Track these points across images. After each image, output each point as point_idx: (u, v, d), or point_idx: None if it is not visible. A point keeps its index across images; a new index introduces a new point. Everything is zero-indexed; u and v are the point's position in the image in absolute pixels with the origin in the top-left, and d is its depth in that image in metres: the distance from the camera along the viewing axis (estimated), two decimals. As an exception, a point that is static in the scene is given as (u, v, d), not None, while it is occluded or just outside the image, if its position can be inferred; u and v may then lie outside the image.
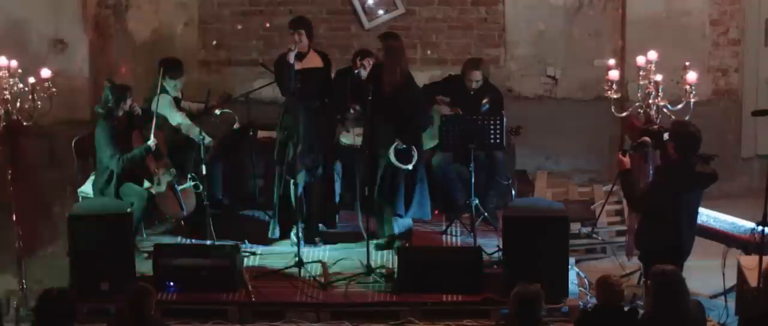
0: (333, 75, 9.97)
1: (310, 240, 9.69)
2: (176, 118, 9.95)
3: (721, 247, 9.08)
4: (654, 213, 8.21)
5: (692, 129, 8.18)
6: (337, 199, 10.15)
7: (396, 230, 9.62)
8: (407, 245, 9.62)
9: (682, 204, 8.15)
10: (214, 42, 11.53)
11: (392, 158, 9.32)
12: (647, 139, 8.47)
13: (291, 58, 9.39)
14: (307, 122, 9.45)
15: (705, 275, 9.11)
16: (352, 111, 9.90)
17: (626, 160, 8.37)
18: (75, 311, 7.18)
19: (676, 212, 8.14)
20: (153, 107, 9.69)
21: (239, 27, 11.53)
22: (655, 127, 9.01)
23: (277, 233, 9.82)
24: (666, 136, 8.29)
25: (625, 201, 10.12)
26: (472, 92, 10.20)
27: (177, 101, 10.15)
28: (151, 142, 9.45)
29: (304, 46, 9.53)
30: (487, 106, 10.06)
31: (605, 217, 10.33)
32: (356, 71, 9.39)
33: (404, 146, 9.36)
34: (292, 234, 9.64)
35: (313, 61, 9.58)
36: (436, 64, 11.51)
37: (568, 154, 11.65)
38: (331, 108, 9.74)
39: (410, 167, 9.40)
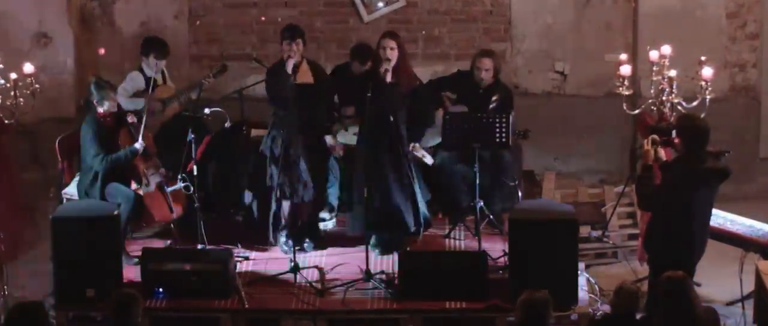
0: (329, 73, 10.01)
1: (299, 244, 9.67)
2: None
3: (738, 251, 9.07)
4: (663, 212, 8.18)
5: (699, 122, 8.14)
6: (336, 202, 10.15)
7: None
8: (408, 248, 9.61)
9: (692, 202, 8.11)
10: (198, 22, 11.50)
11: (419, 153, 9.37)
12: (656, 137, 8.44)
13: (290, 67, 9.38)
14: (298, 139, 9.45)
15: (721, 280, 9.11)
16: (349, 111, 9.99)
17: (650, 153, 8.27)
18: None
19: (687, 211, 8.09)
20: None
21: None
22: (664, 123, 8.99)
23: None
24: (675, 132, 8.26)
25: (637, 203, 10.11)
26: (481, 90, 10.18)
27: (152, 82, 10.15)
28: (139, 144, 9.43)
29: (299, 54, 9.52)
30: (496, 104, 10.02)
31: (616, 220, 10.32)
32: (382, 71, 9.42)
33: (417, 144, 9.53)
34: (282, 241, 9.67)
35: (306, 75, 9.56)
36: (438, 60, 11.51)
37: (578, 154, 11.64)
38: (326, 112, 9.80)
39: (431, 160, 9.48)
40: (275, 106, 9.59)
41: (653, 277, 8.18)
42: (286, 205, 9.59)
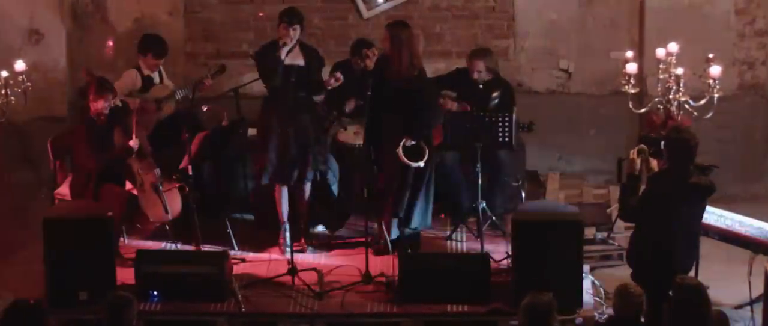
0: (328, 68, 9.97)
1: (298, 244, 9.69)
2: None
3: (747, 253, 9.06)
4: (645, 225, 8.14)
5: (685, 135, 8.08)
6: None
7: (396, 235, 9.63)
8: (410, 251, 9.60)
9: (675, 217, 8.04)
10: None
11: (401, 156, 9.29)
12: (644, 147, 8.39)
13: (283, 54, 9.37)
14: (289, 120, 9.44)
15: (730, 283, 9.11)
16: (350, 106, 9.93)
17: (635, 162, 8.24)
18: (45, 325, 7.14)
19: (669, 226, 8.02)
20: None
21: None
22: (653, 134, 8.96)
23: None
24: (663, 143, 8.22)
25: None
26: (481, 86, 10.17)
27: (149, 80, 10.15)
28: (133, 142, 9.42)
29: (295, 40, 9.51)
30: (497, 100, 10.01)
31: (622, 221, 10.30)
32: (362, 63, 9.37)
33: (413, 142, 9.33)
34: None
35: (297, 57, 9.54)
36: (440, 57, 11.50)
37: (582, 153, 11.63)
38: (324, 105, 9.74)
39: (421, 164, 9.36)
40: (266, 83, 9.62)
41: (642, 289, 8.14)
42: (284, 195, 9.61)
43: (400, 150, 9.29)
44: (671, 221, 8.02)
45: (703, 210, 8.26)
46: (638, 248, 8.21)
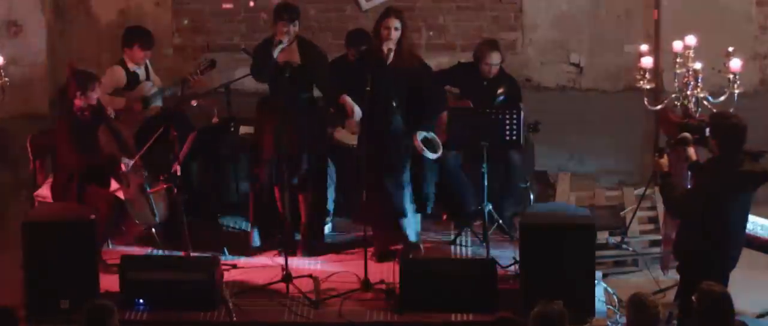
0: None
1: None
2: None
3: (769, 259, 9.08)
4: (696, 218, 8.15)
5: (735, 121, 8.12)
6: (332, 205, 10.13)
7: (414, 238, 9.64)
8: (411, 255, 9.59)
9: (728, 208, 8.09)
10: (186, 21, 11.51)
11: (420, 145, 9.30)
12: (687, 135, 8.41)
13: (276, 53, 9.35)
14: (286, 120, 9.43)
15: (752, 291, 9.10)
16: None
17: (665, 162, 8.29)
18: None
19: (721, 217, 8.07)
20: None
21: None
22: (694, 121, 8.97)
23: (258, 242, 9.83)
24: (709, 131, 8.23)
25: (659, 207, 10.09)
26: (485, 82, 10.16)
27: (135, 76, 10.14)
28: (124, 165, 9.41)
29: (293, 36, 9.48)
30: (503, 97, 10.02)
31: (637, 225, 10.31)
32: (385, 51, 9.34)
33: (426, 135, 9.38)
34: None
35: (293, 55, 9.51)
36: (443, 50, 11.49)
37: (595, 153, 11.63)
38: (324, 102, 9.75)
39: (439, 154, 9.41)
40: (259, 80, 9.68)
41: (684, 287, 8.14)
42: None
43: (419, 138, 9.29)
44: (723, 212, 8.05)
45: (752, 198, 8.27)
46: (689, 241, 8.20)
